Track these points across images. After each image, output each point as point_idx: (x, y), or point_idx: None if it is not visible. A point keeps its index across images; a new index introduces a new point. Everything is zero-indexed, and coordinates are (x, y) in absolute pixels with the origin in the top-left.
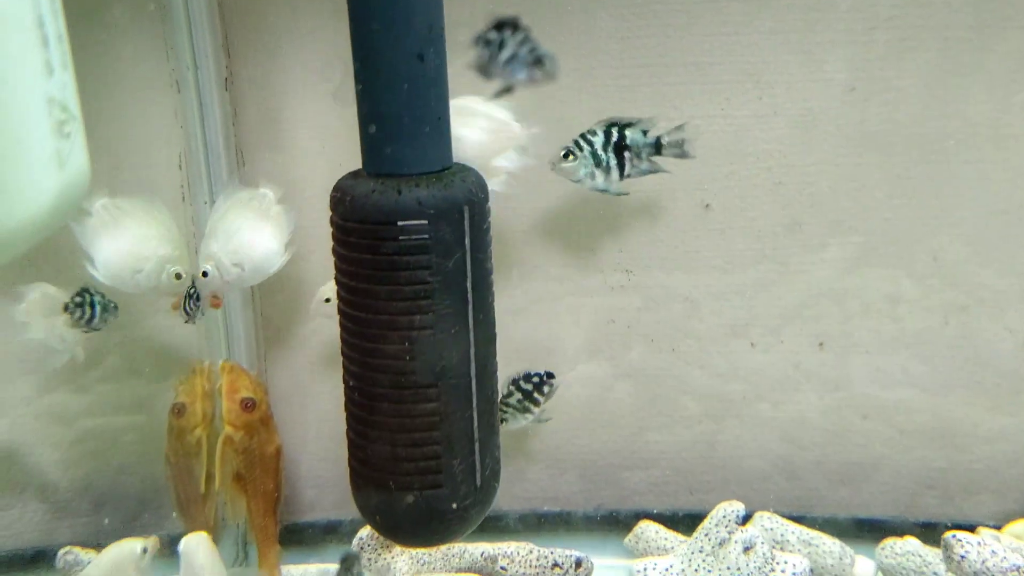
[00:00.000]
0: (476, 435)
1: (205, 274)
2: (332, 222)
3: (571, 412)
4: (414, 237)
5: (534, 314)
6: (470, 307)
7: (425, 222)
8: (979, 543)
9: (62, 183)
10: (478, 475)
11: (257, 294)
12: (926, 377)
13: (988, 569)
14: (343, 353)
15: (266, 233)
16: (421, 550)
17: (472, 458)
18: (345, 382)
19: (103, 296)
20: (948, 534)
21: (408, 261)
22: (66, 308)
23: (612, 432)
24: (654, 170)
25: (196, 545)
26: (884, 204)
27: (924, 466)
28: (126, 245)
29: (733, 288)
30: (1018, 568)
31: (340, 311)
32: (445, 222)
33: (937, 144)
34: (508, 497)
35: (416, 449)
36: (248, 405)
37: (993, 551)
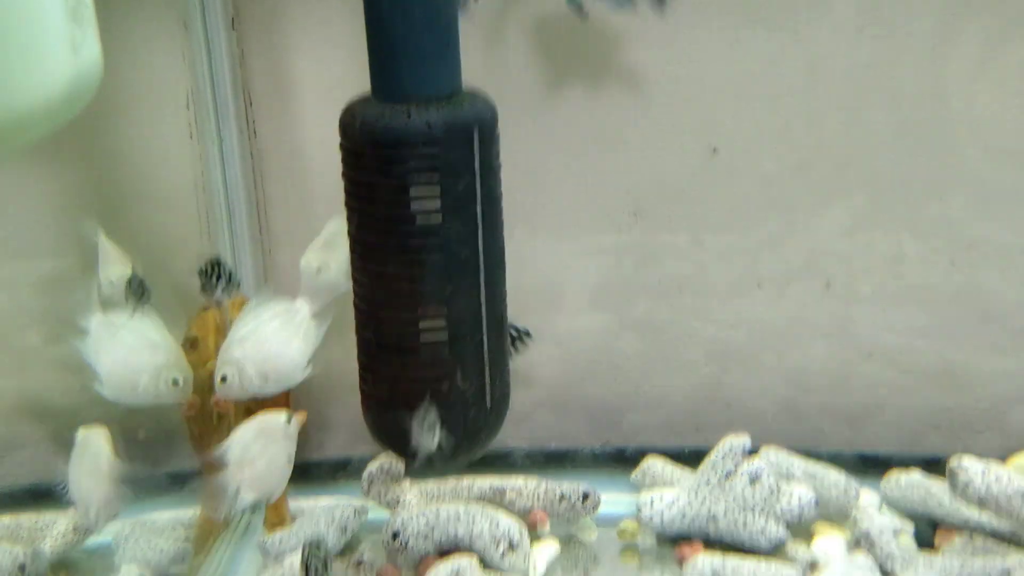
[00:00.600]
0: (486, 358)
1: (224, 379)
2: (341, 146)
3: (577, 356)
4: (424, 160)
5: (540, 256)
6: (479, 231)
7: (434, 145)
8: (984, 469)
9: (76, 69)
10: (488, 397)
11: (264, 237)
12: (932, 323)
13: (994, 494)
14: (353, 278)
15: (293, 347)
16: (430, 484)
17: (482, 381)
18: (356, 306)
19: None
20: (953, 461)
21: (418, 184)
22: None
23: (618, 376)
24: (621, 5)
25: None
26: (891, 148)
27: (929, 406)
28: (121, 359)
29: (740, 233)
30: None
31: (350, 236)
32: (455, 145)
33: (946, 87)
34: (514, 437)
35: (426, 371)
36: None
37: (998, 477)
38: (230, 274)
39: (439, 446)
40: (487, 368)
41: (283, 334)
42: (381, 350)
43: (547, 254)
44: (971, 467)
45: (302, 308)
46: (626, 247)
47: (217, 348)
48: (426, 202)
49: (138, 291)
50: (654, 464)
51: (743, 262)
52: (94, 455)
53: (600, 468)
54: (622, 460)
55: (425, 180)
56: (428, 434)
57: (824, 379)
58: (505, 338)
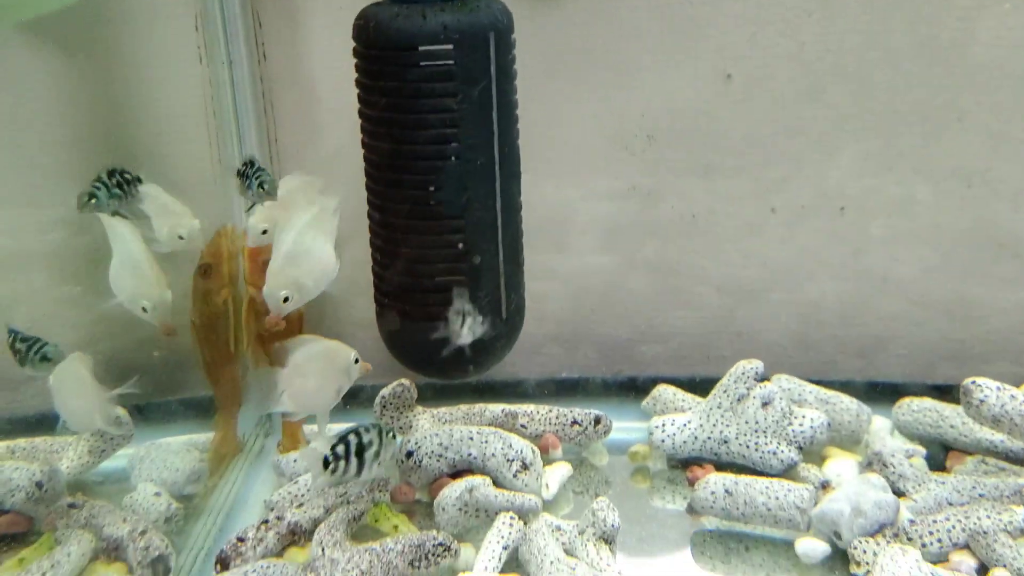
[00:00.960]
0: (501, 268)
1: (287, 299)
2: (355, 52)
3: (589, 286)
4: (439, 63)
5: (551, 182)
6: (495, 138)
7: (450, 47)
8: (999, 388)
9: None
10: (503, 308)
11: (275, 164)
12: (944, 256)
13: (1007, 412)
14: (368, 188)
15: (328, 249)
16: (442, 409)
17: (497, 292)
18: (370, 216)
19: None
20: (967, 380)
21: (433, 88)
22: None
23: (629, 309)
24: None
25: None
26: (908, 70)
27: (941, 337)
28: (115, 270)
29: (753, 162)
30: None
31: (364, 144)
32: (470, 48)
33: (967, 10)
34: (525, 367)
35: (442, 281)
36: None
37: (1012, 395)
38: (261, 180)
39: (471, 334)
40: (502, 279)
41: (320, 239)
42: (395, 260)
43: (557, 187)
44: (985, 385)
45: (327, 205)
46: (639, 172)
47: (230, 275)
48: (442, 107)
49: (119, 181)
50: (665, 391)
51: (756, 192)
52: (76, 379)
53: (611, 397)
54: (633, 389)
55: (441, 85)
56: (459, 321)
57: (835, 314)
58: (520, 250)
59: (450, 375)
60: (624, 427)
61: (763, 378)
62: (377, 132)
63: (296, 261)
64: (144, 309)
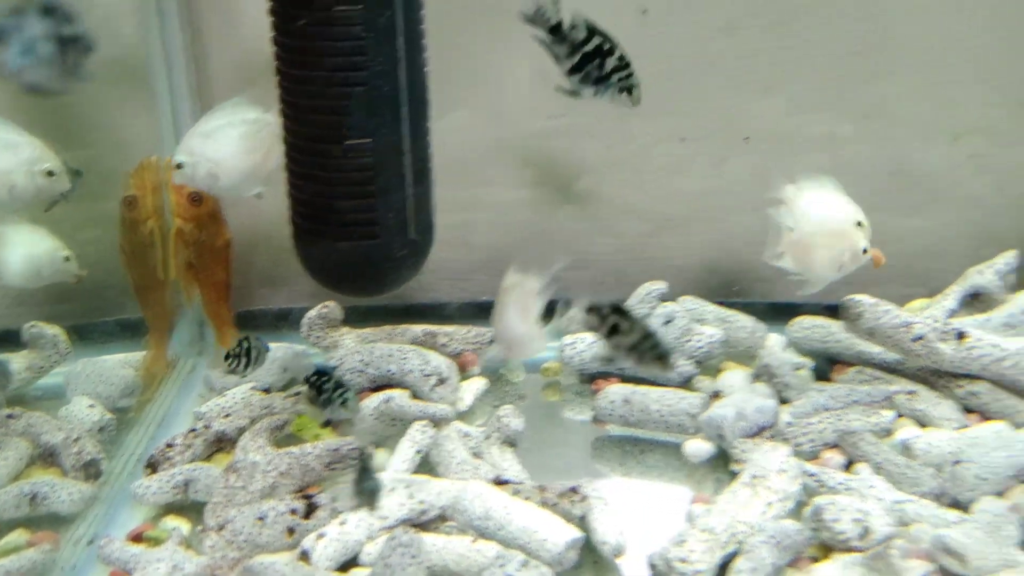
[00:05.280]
0: (409, 190)
1: (180, 166)
2: None
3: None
4: None
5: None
6: (402, 66)
7: None
8: (873, 304)
9: None
10: (410, 228)
11: (201, 75)
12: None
13: (881, 326)
14: (283, 113)
15: (250, 160)
16: (366, 330)
17: (405, 212)
18: (285, 141)
19: None
20: (847, 297)
21: (341, 16)
22: None
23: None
24: None
25: None
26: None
27: None
28: None
29: (671, 96)
30: (907, 325)
31: (278, 71)
32: None
33: None
34: (448, 292)
35: (352, 201)
36: (195, 199)
37: (886, 310)
38: (345, 398)
39: None
40: (410, 201)
41: (244, 143)
42: (308, 181)
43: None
44: (863, 301)
45: (271, 121)
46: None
47: (155, 207)
48: (350, 35)
49: None
50: (577, 313)
51: (670, 126)
52: None
53: None
54: (550, 312)
55: (349, 12)
56: None
57: (745, 245)
58: (429, 173)
59: (361, 292)
60: None
61: (668, 299)
62: (290, 60)
63: (204, 143)
64: (50, 173)
